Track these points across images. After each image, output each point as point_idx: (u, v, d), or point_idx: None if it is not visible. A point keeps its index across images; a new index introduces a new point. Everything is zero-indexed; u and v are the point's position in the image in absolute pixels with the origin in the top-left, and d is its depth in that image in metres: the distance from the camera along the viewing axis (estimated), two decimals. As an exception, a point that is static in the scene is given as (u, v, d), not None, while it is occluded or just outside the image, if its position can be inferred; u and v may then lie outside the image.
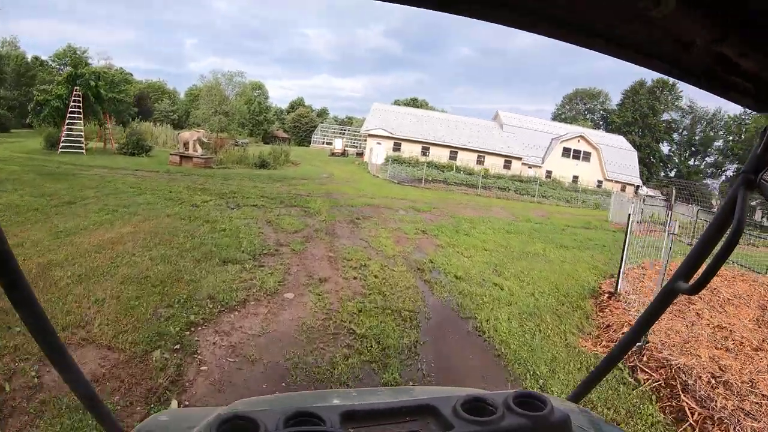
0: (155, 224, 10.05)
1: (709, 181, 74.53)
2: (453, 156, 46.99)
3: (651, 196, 49.80)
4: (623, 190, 50.59)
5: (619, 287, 8.78)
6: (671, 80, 74.56)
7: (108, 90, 36.37)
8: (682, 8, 0.64)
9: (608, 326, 7.55)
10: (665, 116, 76.93)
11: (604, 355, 1.48)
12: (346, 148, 56.99)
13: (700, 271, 0.97)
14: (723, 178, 72.06)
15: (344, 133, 71.85)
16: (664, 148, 77.69)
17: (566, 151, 53.34)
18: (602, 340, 6.99)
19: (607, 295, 8.90)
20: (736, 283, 10.75)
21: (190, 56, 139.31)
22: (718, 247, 0.93)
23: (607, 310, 8.20)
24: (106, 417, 1.12)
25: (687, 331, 7.11)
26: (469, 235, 13.82)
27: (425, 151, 46.71)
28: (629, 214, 8.86)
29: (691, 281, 0.98)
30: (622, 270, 8.82)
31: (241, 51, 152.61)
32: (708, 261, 0.95)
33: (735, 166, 69.26)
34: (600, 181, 52.96)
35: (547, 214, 25.22)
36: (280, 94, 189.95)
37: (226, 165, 28.89)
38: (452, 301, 7.65)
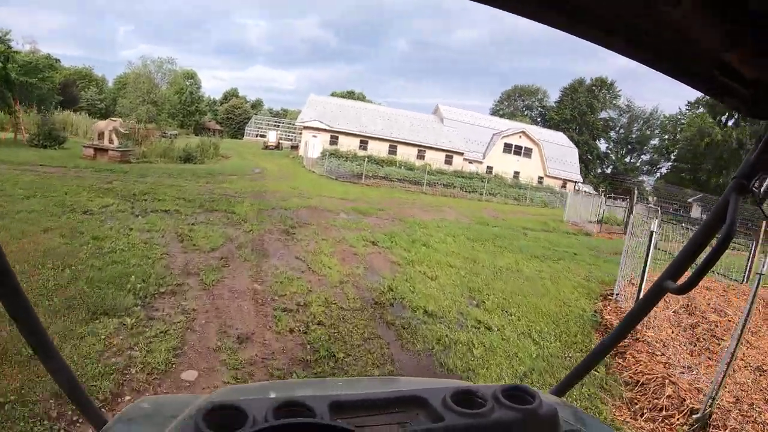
0: (20, 246, 6.90)
1: (644, 177, 77.02)
2: (393, 150, 44.77)
3: (588, 193, 49.90)
4: (564, 186, 50.37)
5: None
6: (610, 79, 76.76)
7: (24, 75, 31.80)
8: (698, 11, 0.65)
9: (640, 383, 5.43)
10: (603, 114, 78.53)
11: (589, 351, 1.43)
12: (280, 141, 53.62)
13: (689, 272, 0.99)
14: (657, 175, 74.87)
15: (279, 126, 68.10)
16: (602, 145, 79.42)
17: (507, 147, 52.44)
18: (642, 408, 4.86)
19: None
20: (729, 296, 9.12)
21: (123, 44, 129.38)
22: (707, 250, 0.92)
23: (629, 357, 6.07)
24: (88, 405, 1.11)
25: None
26: (428, 246, 11.46)
27: (363, 145, 44.21)
28: (651, 232, 6.71)
29: (680, 281, 0.98)
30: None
31: (176, 40, 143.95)
32: (697, 263, 0.97)
33: (669, 164, 71.91)
34: (541, 178, 52.46)
35: (499, 214, 23.47)
36: (214, 85, 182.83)
37: (147, 159, 25.32)
38: (432, 361, 5.23)
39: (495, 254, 11.83)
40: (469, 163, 48.18)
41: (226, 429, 0.75)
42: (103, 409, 1.31)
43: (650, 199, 58.64)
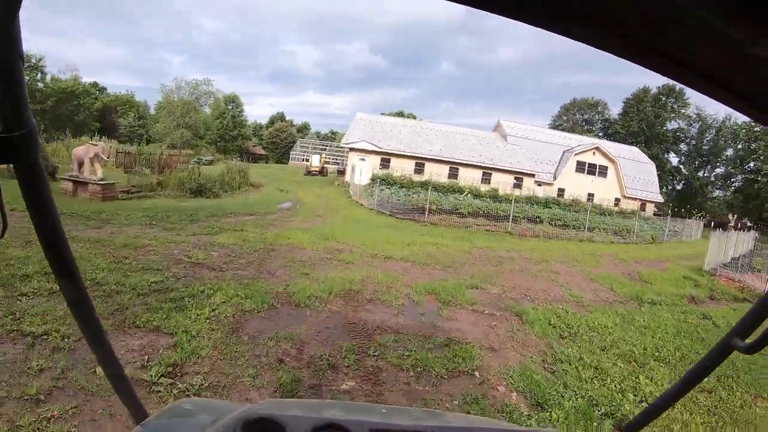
0: None
1: (718, 192, 67.31)
2: (453, 173, 37.47)
3: (658, 214, 41.20)
4: (643, 208, 41.83)
5: None
6: (678, 87, 66.90)
7: (58, 102, 27.35)
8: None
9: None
10: (672, 125, 69.12)
11: (646, 406, 1.24)
12: (325, 165, 46.96)
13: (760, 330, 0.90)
14: (732, 189, 64.54)
15: (325, 149, 61.93)
16: (672, 159, 69.50)
17: (580, 165, 44.33)
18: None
19: None
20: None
21: (175, 73, 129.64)
22: None
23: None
24: (132, 399, 1.10)
25: None
26: None
27: (419, 168, 37.11)
28: None
29: (749, 340, 0.91)
30: None
31: (229, 68, 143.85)
32: None
33: (743, 176, 61.56)
34: (618, 199, 43.98)
35: (628, 268, 15.77)
36: (268, 112, 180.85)
37: (150, 192, 19.20)
38: None
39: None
40: (538, 185, 40.38)
41: None
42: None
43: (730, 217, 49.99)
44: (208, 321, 5.79)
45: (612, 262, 16.76)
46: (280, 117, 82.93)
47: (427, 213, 21.23)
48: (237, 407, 0.97)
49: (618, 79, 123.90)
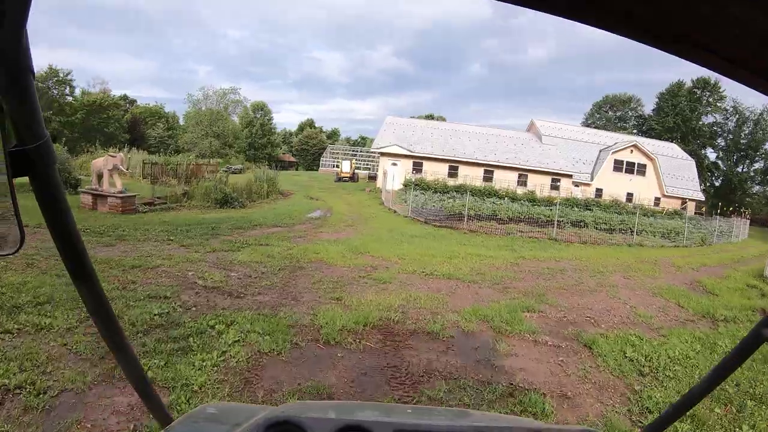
0: None
1: (758, 188, 63.91)
2: (488, 176, 35.97)
3: (699, 213, 38.71)
4: (684, 207, 39.36)
5: None
6: (713, 79, 63.49)
7: (87, 115, 27.41)
8: None
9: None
10: (708, 119, 66.14)
11: (679, 397, 1.20)
12: (355, 171, 45.96)
13: None
14: None
15: (355, 155, 61.03)
16: (710, 154, 66.31)
17: (618, 164, 42.28)
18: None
19: None
20: None
21: (203, 83, 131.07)
22: None
23: None
24: (156, 403, 1.09)
25: None
26: None
27: (453, 171, 35.75)
28: None
29: None
30: None
31: (256, 77, 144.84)
32: None
33: None
34: (657, 198, 41.83)
35: (688, 277, 14.13)
36: (296, 119, 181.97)
37: (174, 203, 18.46)
38: None
39: None
40: (575, 186, 38.54)
41: None
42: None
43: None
44: (215, 369, 4.65)
45: (669, 271, 15.12)
46: (310, 124, 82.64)
47: (465, 220, 19.79)
48: (260, 410, 0.96)
49: (645, 75, 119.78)
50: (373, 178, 45.80)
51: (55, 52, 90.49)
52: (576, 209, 25.15)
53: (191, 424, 1.04)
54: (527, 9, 0.57)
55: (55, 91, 52.27)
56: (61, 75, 55.48)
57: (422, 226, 18.97)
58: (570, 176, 38.34)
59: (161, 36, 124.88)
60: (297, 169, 69.38)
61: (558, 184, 37.46)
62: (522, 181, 36.48)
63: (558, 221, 21.17)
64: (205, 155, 50.62)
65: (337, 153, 64.65)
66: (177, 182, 27.05)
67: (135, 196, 16.01)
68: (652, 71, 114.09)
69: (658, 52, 0.64)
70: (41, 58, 57.30)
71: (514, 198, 28.80)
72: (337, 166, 51.52)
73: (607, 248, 18.43)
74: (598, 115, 77.22)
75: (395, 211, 22.50)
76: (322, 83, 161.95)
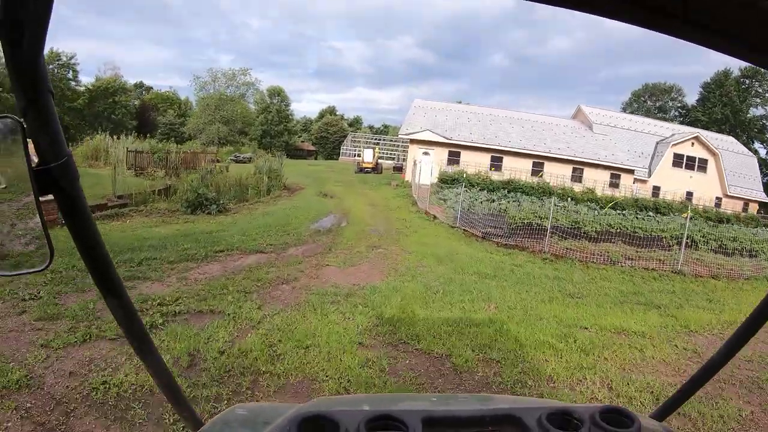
0: None
1: None
2: (537, 169, 29.39)
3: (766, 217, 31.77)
4: (745, 209, 32.57)
5: None
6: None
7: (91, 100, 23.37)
8: None
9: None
10: (757, 111, 59.94)
11: (692, 374, 1.20)
12: (379, 161, 39.38)
13: None
14: None
15: (378, 143, 54.62)
16: (760, 149, 59.55)
17: (677, 158, 35.47)
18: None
19: None
20: None
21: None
22: None
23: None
24: (186, 407, 1.09)
25: None
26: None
27: (496, 163, 29.22)
28: None
29: None
30: None
31: (277, 66, 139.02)
32: None
33: None
34: (719, 199, 35.10)
35: None
36: (317, 108, 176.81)
37: (132, 207, 12.64)
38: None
39: None
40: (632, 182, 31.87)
41: None
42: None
43: None
44: None
45: None
46: (331, 111, 76.15)
47: (548, 237, 13.13)
48: (289, 408, 0.95)
49: (672, 69, 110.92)
50: (398, 169, 39.47)
51: (73, 41, 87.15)
52: (708, 223, 18.20)
53: (222, 426, 1.00)
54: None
55: (57, 73, 47.35)
56: (64, 59, 50.26)
57: (480, 244, 12.67)
58: (631, 172, 31.55)
59: (182, 25, 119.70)
60: (316, 158, 63.33)
61: (617, 181, 30.78)
62: (576, 177, 29.84)
63: (658, 237, 14.67)
64: (213, 143, 45.01)
65: (359, 141, 58.29)
66: (164, 174, 21.80)
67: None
68: (684, 63, 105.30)
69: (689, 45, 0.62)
70: (61, 46, 52.35)
71: (574, 198, 22.33)
72: (359, 155, 45.26)
73: (760, 285, 11.91)
74: (636, 105, 70.23)
75: (434, 217, 16.21)
76: (343, 73, 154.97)
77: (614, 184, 30.45)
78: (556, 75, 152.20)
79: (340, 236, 11.55)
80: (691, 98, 65.33)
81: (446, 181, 22.51)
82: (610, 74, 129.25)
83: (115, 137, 31.03)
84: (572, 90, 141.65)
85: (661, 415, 1.24)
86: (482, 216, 15.37)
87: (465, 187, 17.85)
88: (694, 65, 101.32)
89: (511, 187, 23.09)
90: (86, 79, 52.95)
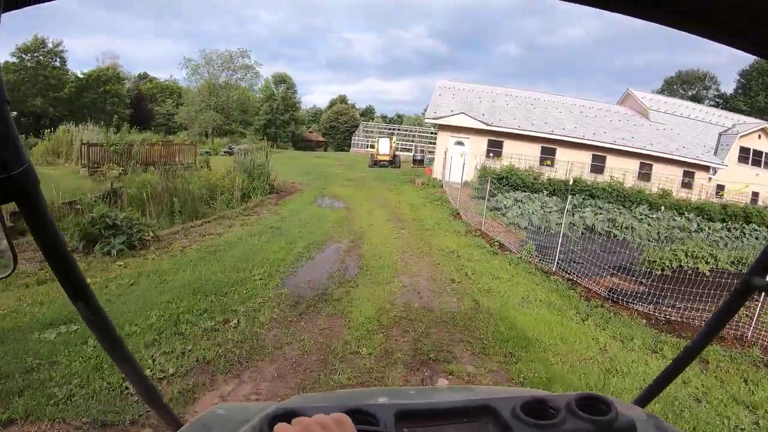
0: None
1: None
2: (597, 165, 22.83)
3: None
4: None
5: None
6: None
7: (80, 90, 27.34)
8: None
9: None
10: None
11: (672, 359, 1.17)
12: (396, 153, 32.76)
13: None
14: None
15: (393, 133, 48.04)
16: None
17: (744, 153, 28.77)
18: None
19: None
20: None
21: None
22: None
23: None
24: (164, 409, 1.07)
25: None
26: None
27: (547, 156, 22.66)
28: None
29: None
30: None
31: (288, 58, 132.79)
32: None
33: None
34: None
35: None
36: (328, 99, 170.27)
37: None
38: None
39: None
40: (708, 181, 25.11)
41: None
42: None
43: None
44: None
45: None
46: (342, 99, 69.45)
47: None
48: (267, 407, 0.91)
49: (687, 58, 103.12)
50: (419, 161, 33.07)
51: (82, 37, 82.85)
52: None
53: (201, 426, 0.99)
54: None
55: (41, 61, 42.05)
56: (50, 46, 44.40)
57: (622, 321, 6.35)
58: (707, 168, 24.77)
59: (190, 18, 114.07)
60: (325, 149, 56.98)
61: (689, 180, 24.13)
62: (645, 174, 23.23)
63: None
64: (207, 133, 38.95)
65: (372, 131, 51.80)
66: (121, 173, 17.02)
67: None
68: (690, 56, 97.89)
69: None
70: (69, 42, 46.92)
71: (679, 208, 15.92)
72: (372, 146, 38.86)
73: None
74: (667, 93, 63.41)
75: (500, 246, 9.83)
76: (354, 64, 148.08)
77: (686, 184, 23.85)
78: (570, 64, 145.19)
79: (345, 316, 5.31)
80: (724, 87, 59.22)
81: (492, 180, 16.15)
82: (626, 62, 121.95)
83: (84, 128, 25.22)
84: (587, 78, 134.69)
85: (643, 401, 1.17)
86: (580, 246, 8.97)
87: (511, 187, 11.32)
88: (723, 55, 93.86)
89: (577, 188, 16.77)
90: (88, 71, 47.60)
